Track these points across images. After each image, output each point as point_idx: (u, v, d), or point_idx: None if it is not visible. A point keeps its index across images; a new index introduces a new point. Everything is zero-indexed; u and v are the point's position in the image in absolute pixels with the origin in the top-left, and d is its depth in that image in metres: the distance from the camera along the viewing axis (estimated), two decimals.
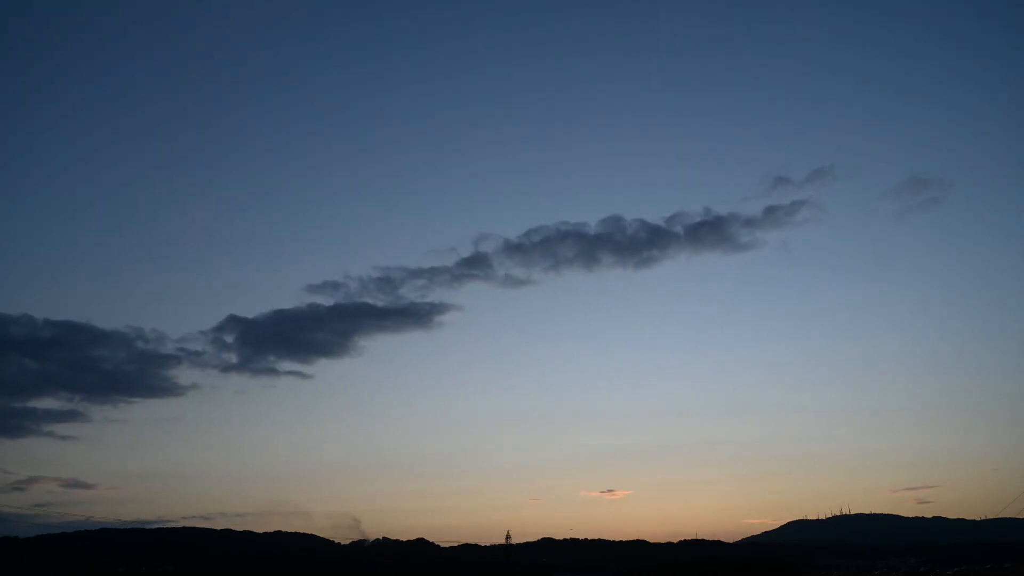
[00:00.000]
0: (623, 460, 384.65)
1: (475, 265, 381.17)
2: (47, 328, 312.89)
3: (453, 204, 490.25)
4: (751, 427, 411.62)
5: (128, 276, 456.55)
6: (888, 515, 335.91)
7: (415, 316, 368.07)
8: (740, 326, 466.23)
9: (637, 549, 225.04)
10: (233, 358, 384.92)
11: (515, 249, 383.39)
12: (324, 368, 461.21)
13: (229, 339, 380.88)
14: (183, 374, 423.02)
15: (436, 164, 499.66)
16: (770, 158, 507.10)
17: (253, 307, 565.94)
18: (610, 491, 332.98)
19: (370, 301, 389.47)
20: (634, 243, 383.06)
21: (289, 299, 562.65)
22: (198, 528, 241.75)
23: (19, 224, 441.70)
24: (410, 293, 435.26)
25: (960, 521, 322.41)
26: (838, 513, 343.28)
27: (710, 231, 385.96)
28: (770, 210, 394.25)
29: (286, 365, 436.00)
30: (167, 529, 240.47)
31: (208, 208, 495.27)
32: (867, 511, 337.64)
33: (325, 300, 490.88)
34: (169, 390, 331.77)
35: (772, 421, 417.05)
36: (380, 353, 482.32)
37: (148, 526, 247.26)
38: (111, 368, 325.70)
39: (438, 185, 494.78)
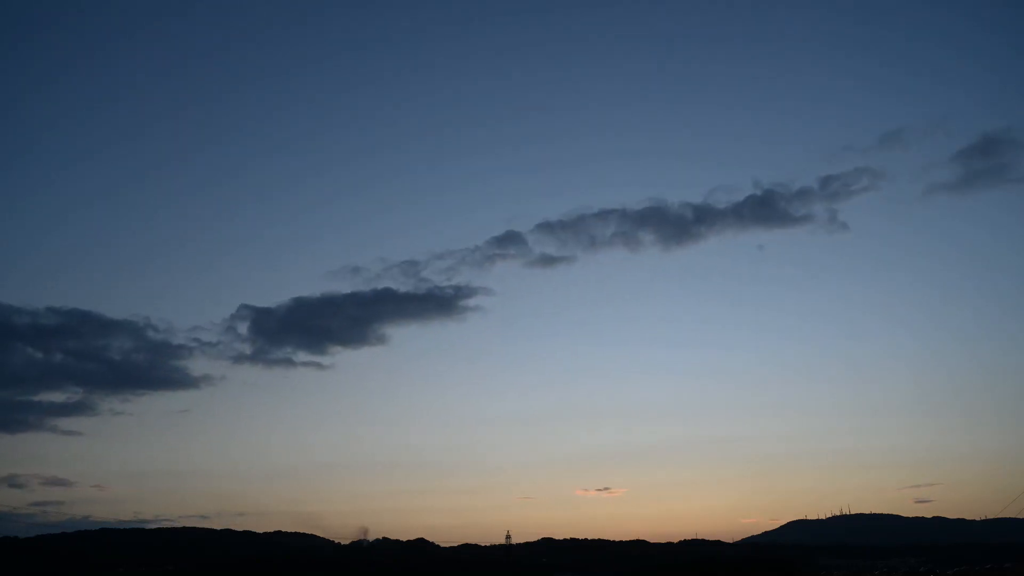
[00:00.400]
0: (621, 459, 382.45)
1: (506, 244, 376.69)
2: (50, 316, 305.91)
3: (484, 192, 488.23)
4: (752, 426, 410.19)
5: (139, 265, 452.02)
6: (888, 515, 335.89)
7: (438, 301, 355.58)
8: (740, 325, 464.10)
9: (637, 549, 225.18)
10: (247, 348, 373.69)
11: (546, 230, 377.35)
12: (343, 358, 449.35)
13: (243, 329, 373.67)
14: (195, 365, 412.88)
15: (466, 153, 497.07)
16: (830, 125, 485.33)
17: (270, 296, 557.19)
18: (606, 489, 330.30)
19: (392, 286, 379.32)
20: (680, 222, 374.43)
21: (308, 286, 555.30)
22: (198, 528, 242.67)
23: (27, 215, 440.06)
24: (435, 276, 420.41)
25: (960, 521, 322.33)
26: (838, 513, 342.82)
27: (758, 206, 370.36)
28: (827, 180, 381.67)
29: (302, 356, 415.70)
30: (167, 529, 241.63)
31: (223, 196, 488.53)
32: (867, 511, 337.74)
33: (345, 286, 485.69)
34: (179, 382, 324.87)
35: (772, 420, 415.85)
36: (400, 342, 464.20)
37: (148, 526, 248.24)
38: (120, 359, 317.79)
39: (470, 174, 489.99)
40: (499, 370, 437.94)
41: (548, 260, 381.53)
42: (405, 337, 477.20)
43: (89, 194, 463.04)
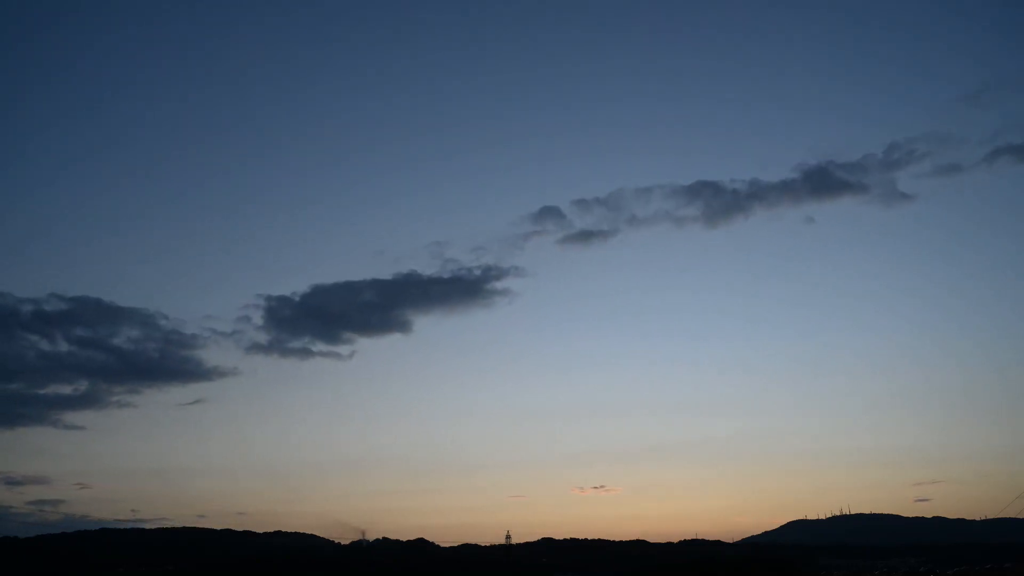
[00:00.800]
0: (618, 458, 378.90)
1: (543, 219, 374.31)
2: (53, 302, 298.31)
3: (521, 172, 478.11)
4: (752, 425, 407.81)
5: (150, 251, 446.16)
6: (888, 515, 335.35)
7: (465, 284, 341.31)
8: (750, 320, 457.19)
9: (637, 549, 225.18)
10: (262, 338, 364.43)
11: (583, 206, 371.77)
12: (363, 348, 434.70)
13: (258, 318, 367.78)
14: (207, 356, 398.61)
15: (503, 133, 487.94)
16: (903, 88, 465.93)
17: (286, 283, 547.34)
18: (602, 487, 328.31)
19: (417, 268, 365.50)
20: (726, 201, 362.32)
21: (326, 273, 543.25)
22: (198, 528, 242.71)
23: (35, 203, 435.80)
24: (462, 256, 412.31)
25: (960, 521, 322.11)
26: (838, 513, 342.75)
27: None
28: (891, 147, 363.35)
29: (320, 346, 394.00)
30: (167, 529, 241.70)
31: (238, 180, 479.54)
32: (867, 511, 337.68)
33: (366, 271, 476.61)
34: (191, 373, 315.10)
35: (773, 419, 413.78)
36: (422, 328, 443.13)
37: (147, 526, 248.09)
38: (129, 348, 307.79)
39: (503, 157, 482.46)
40: (511, 365, 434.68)
41: (586, 235, 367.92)
42: (428, 324, 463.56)
43: (100, 179, 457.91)
